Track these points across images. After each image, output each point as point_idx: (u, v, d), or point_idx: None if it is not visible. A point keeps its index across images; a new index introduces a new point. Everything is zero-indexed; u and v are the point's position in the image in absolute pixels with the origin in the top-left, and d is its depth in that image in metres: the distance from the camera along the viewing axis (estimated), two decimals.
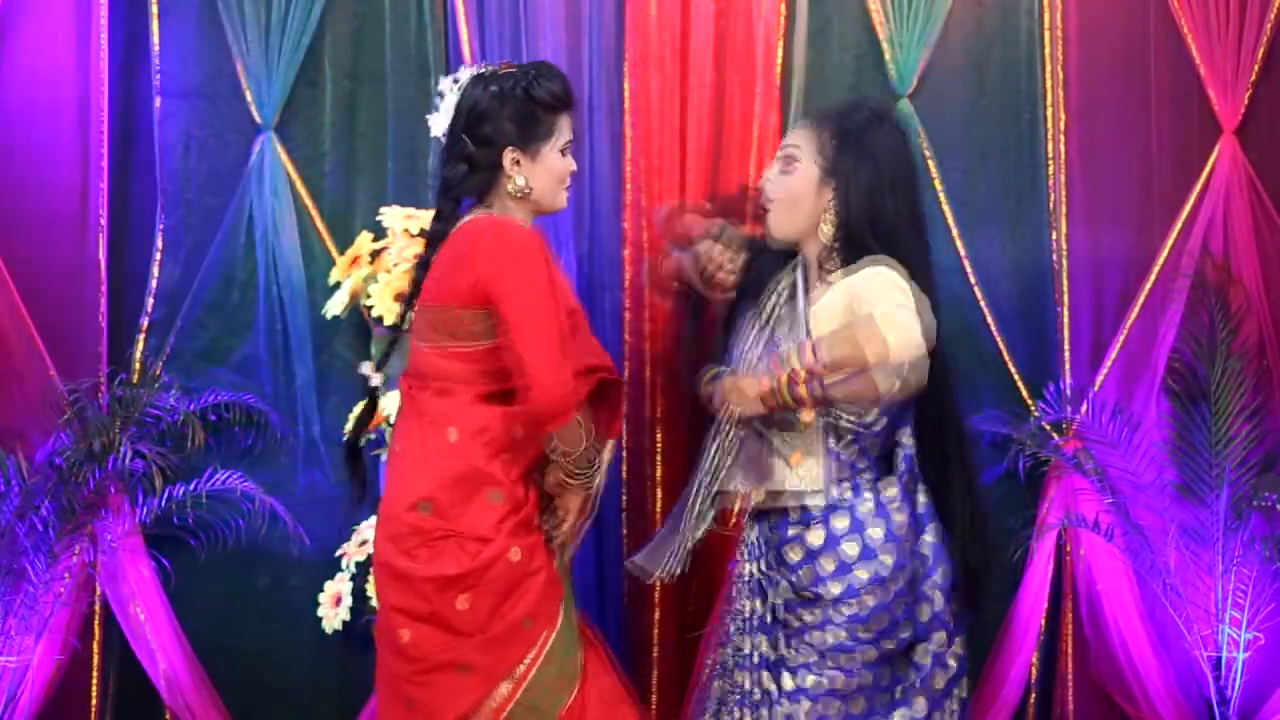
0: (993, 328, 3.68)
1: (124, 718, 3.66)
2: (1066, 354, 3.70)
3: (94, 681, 3.64)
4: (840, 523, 2.57)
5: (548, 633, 2.57)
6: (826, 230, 2.61)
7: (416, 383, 2.66)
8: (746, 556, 2.69)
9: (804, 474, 2.58)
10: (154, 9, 3.65)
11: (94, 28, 3.64)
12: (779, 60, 3.67)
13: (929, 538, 2.61)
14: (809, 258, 2.67)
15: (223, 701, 3.58)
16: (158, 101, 3.65)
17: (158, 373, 3.60)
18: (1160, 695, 3.57)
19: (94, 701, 3.63)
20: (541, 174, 2.66)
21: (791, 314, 2.63)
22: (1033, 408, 3.68)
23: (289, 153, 3.65)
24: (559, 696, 2.56)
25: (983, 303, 3.68)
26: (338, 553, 3.50)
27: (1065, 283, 3.70)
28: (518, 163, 2.64)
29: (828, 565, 2.56)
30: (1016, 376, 3.69)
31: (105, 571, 3.55)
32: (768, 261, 2.75)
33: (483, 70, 2.70)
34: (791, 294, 2.66)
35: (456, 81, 2.70)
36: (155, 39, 3.65)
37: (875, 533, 2.56)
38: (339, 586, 3.45)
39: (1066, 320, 3.70)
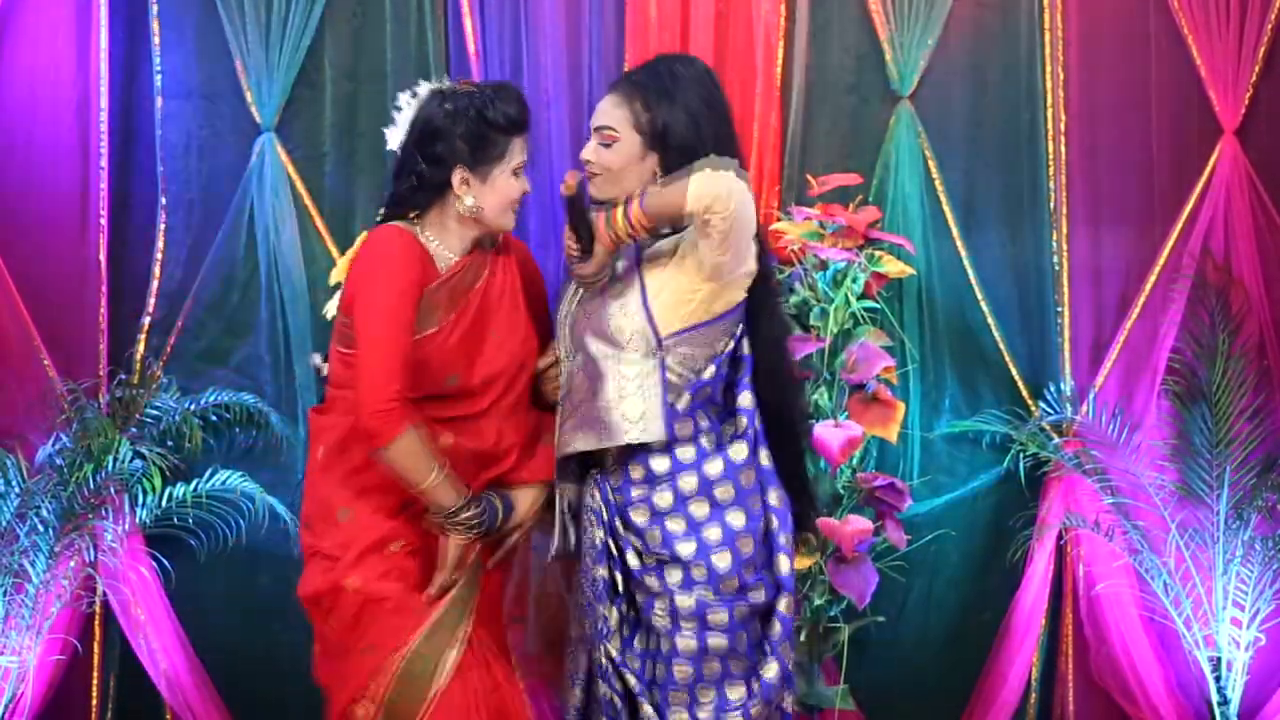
0: (993, 328, 3.68)
1: (124, 718, 3.66)
2: (1067, 354, 3.70)
3: (94, 681, 3.64)
4: (688, 483, 2.57)
5: (395, 655, 2.55)
6: None
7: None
8: (594, 523, 2.64)
9: (643, 426, 2.54)
10: (154, 9, 3.66)
11: (94, 28, 3.65)
12: (779, 61, 3.67)
13: (773, 499, 2.60)
14: None
15: (223, 701, 3.59)
16: (159, 102, 3.65)
17: (158, 373, 3.61)
18: (1160, 696, 3.57)
19: (94, 701, 3.64)
20: (490, 195, 2.63)
21: (629, 273, 2.61)
22: (1033, 408, 3.68)
23: (289, 153, 3.66)
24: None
25: (983, 303, 3.68)
26: None
27: (1066, 283, 3.71)
28: (467, 183, 2.61)
29: (676, 526, 2.56)
30: (1017, 377, 3.70)
31: (105, 571, 3.55)
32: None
33: (441, 87, 2.69)
34: (627, 261, 2.64)
35: (415, 95, 2.69)
36: (156, 39, 3.65)
37: (723, 493, 2.57)
38: None
39: (1067, 321, 3.70)
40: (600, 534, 2.63)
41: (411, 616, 2.59)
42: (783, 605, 2.57)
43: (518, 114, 2.63)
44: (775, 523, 2.59)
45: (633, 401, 2.55)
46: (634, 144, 2.60)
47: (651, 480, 2.58)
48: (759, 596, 2.57)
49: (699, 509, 2.57)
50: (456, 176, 2.60)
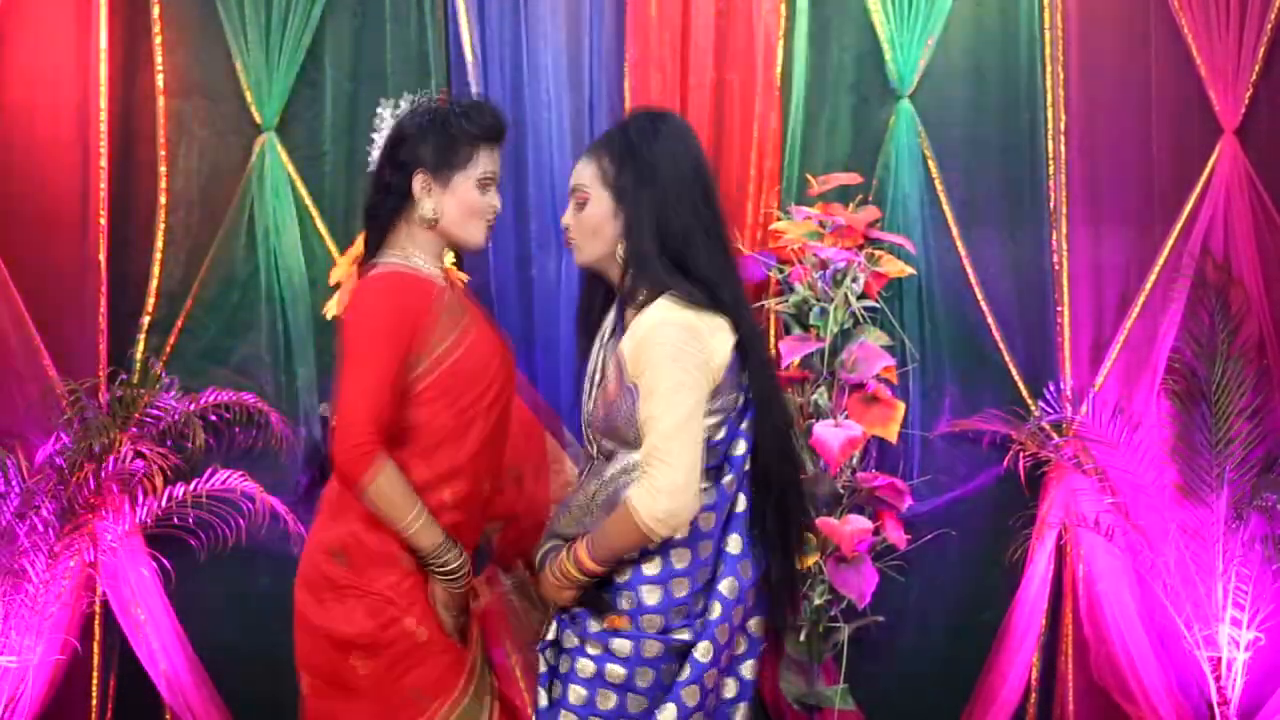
0: (993, 328, 3.68)
1: (125, 718, 3.66)
2: (1066, 354, 3.70)
3: (94, 681, 3.64)
4: None
5: (440, 705, 2.56)
6: (620, 255, 2.55)
7: None
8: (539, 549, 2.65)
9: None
10: (155, 10, 3.66)
11: (94, 27, 3.65)
12: (779, 60, 3.67)
13: (731, 546, 2.53)
14: (616, 286, 2.61)
15: (223, 701, 3.59)
16: (159, 101, 3.65)
17: (158, 372, 3.61)
18: (1160, 696, 3.57)
19: (94, 701, 3.64)
20: (451, 203, 2.62)
21: (611, 358, 2.56)
22: (1033, 407, 3.68)
23: (289, 153, 3.66)
24: None
25: (983, 303, 3.68)
26: None
27: (1065, 282, 3.70)
28: (427, 188, 2.61)
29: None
30: (1017, 376, 3.69)
31: (106, 571, 3.55)
32: (594, 296, 2.71)
33: (417, 101, 2.70)
34: (610, 334, 2.63)
35: (397, 109, 2.70)
36: (156, 39, 3.65)
37: (677, 533, 2.50)
38: None
39: (1067, 320, 3.70)
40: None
41: (455, 663, 2.60)
42: (700, 652, 2.48)
43: (488, 124, 2.63)
44: (722, 568, 2.51)
45: None
46: (604, 201, 2.55)
47: None
48: (680, 637, 2.49)
49: None
50: (417, 182, 2.60)
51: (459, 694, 2.59)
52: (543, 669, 2.59)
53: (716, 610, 2.50)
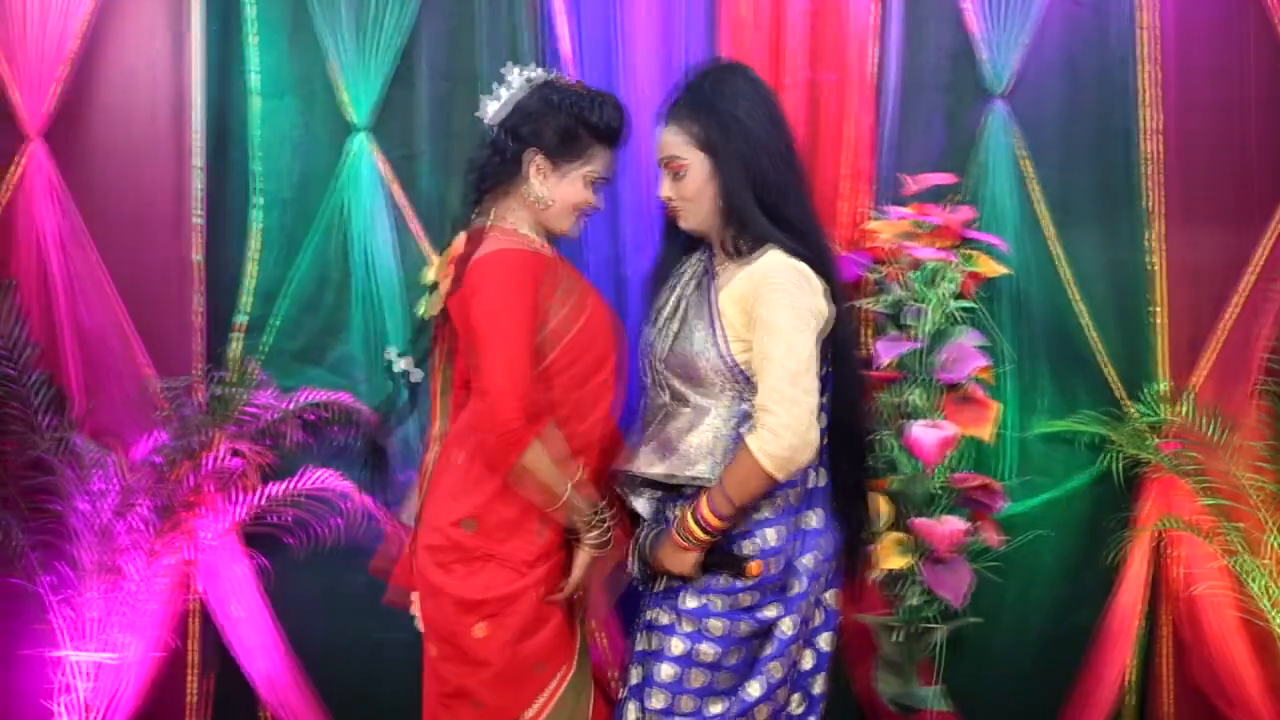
0: (1088, 328, 3.66)
1: (221, 716, 3.67)
2: (1163, 354, 3.67)
3: (190, 679, 3.65)
4: None
5: (560, 679, 2.57)
6: (720, 211, 2.58)
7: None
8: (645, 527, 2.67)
9: (703, 469, 2.54)
10: (249, 10, 3.66)
11: (189, 28, 3.66)
12: (873, 59, 3.65)
13: (813, 520, 2.59)
14: (713, 241, 2.65)
15: (321, 699, 3.60)
16: (253, 101, 3.66)
17: (254, 371, 3.62)
18: (1259, 699, 3.55)
19: (191, 699, 3.65)
20: (560, 192, 2.63)
21: (700, 301, 2.60)
22: (1129, 408, 3.65)
23: (384, 152, 3.66)
24: None
25: (1079, 303, 3.66)
26: None
27: (1161, 283, 3.68)
28: (541, 171, 2.61)
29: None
30: (1112, 377, 3.67)
31: (203, 569, 3.57)
32: (672, 250, 2.75)
33: (554, 77, 2.68)
34: (698, 283, 2.64)
35: (529, 79, 2.66)
36: (251, 39, 3.66)
37: (768, 508, 2.55)
38: None
39: (1163, 320, 3.68)
40: (647, 535, 2.65)
41: (570, 632, 2.62)
42: (785, 626, 2.54)
43: (616, 124, 2.63)
44: (803, 543, 2.57)
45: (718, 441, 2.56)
46: (701, 164, 2.58)
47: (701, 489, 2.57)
48: (767, 614, 2.54)
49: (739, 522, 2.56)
50: (532, 161, 2.60)
51: (571, 665, 2.60)
52: (640, 648, 2.62)
53: (800, 585, 2.55)
